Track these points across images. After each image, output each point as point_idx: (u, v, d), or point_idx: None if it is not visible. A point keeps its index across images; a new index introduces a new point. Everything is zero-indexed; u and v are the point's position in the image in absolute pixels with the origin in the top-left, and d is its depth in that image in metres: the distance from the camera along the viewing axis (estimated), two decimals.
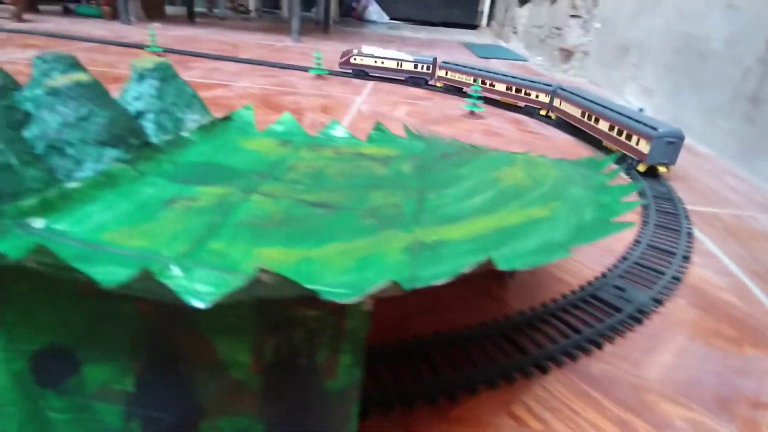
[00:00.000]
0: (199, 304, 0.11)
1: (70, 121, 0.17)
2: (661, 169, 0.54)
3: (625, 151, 0.57)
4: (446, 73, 0.92)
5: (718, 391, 0.25)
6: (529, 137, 0.67)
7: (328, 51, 1.31)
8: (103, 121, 0.18)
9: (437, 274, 0.14)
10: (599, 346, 0.27)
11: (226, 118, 0.26)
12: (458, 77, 0.90)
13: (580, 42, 1.21)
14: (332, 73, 0.98)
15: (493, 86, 0.83)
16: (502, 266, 0.13)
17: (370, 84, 0.94)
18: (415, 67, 0.95)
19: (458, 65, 0.90)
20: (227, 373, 0.13)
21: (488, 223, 0.18)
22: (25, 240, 0.13)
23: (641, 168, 0.55)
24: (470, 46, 1.78)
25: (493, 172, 0.23)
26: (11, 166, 0.14)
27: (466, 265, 0.12)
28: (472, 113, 0.75)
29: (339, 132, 0.28)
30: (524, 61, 1.51)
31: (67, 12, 1.79)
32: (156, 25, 1.29)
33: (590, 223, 0.18)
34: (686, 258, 0.38)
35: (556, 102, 0.73)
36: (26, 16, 1.46)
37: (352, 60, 0.98)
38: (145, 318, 0.13)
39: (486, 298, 0.30)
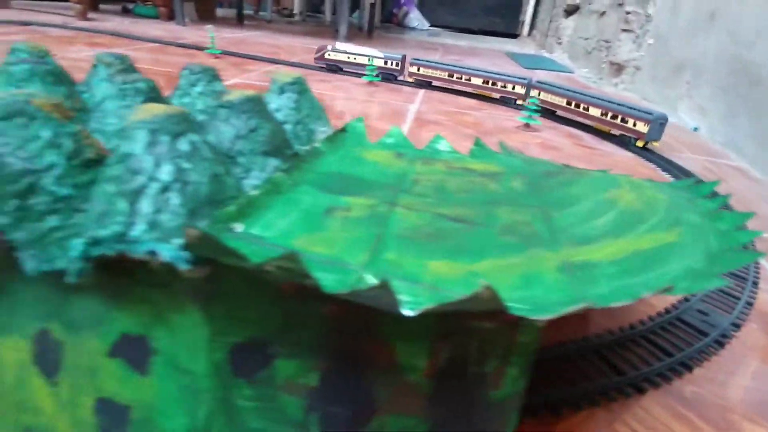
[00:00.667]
0: (409, 313, 0.12)
1: (242, 133, 0.18)
2: (654, 144, 0.70)
3: (622, 132, 0.73)
4: (418, 69, 1.01)
5: None
6: (588, 152, 0.67)
7: None
8: (267, 132, 0.19)
9: (610, 295, 0.15)
10: (690, 369, 0.28)
11: (343, 130, 0.28)
12: (430, 72, 0.99)
13: (631, 57, 1.19)
14: (382, 78, 1.00)
15: (470, 80, 0.95)
16: (677, 293, 0.14)
17: (421, 93, 0.95)
18: (385, 63, 1.02)
19: (429, 62, 1.00)
20: (402, 375, 0.14)
21: (622, 246, 0.19)
22: (242, 244, 0.15)
23: (639, 144, 0.70)
24: (513, 56, 1.78)
25: (604, 194, 0.23)
26: (218, 175, 0.15)
27: (646, 289, 0.13)
28: (527, 126, 0.76)
29: (443, 146, 0.29)
30: (570, 72, 1.50)
31: (125, 11, 1.87)
32: (209, 26, 1.33)
33: (719, 251, 0.18)
34: (755, 284, 0.38)
35: (534, 92, 0.88)
36: (89, 14, 1.53)
37: (326, 56, 1.05)
38: (334, 320, 0.14)
39: (574, 316, 0.30)
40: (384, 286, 0.11)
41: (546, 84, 0.86)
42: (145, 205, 0.14)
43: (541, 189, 0.24)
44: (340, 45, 1.05)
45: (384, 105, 0.81)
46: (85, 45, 1.07)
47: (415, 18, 2.87)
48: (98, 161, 0.17)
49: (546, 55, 1.99)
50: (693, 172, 0.62)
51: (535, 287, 0.15)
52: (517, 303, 0.14)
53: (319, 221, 0.17)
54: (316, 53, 1.05)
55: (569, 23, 1.79)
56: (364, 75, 0.98)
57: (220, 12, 2.33)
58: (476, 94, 0.95)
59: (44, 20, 1.36)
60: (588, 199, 0.22)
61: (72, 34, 1.21)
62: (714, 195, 0.28)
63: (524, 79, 0.89)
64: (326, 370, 0.14)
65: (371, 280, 0.14)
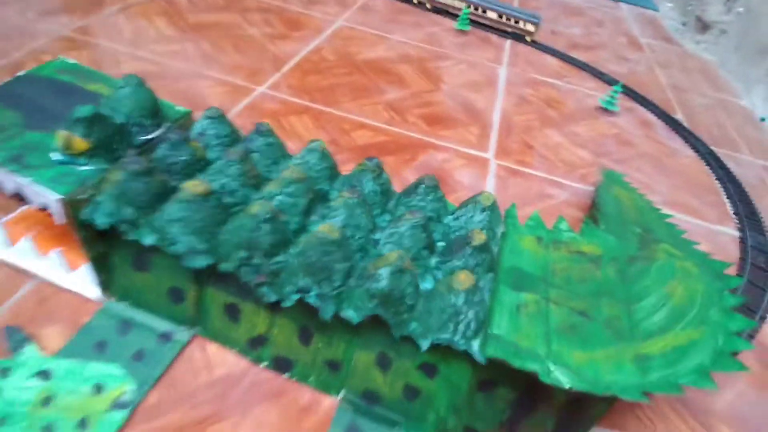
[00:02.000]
0: (570, 389, 0.27)
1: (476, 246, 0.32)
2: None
3: (515, 30, 1.00)
4: None
5: None
6: (657, 150, 0.75)
7: None
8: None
9: (666, 385, 0.28)
10: None
11: (506, 216, 0.39)
12: (450, 2, 1.05)
13: (719, 19, 1.16)
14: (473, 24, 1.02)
15: (485, 13, 1.03)
16: (701, 386, 0.28)
17: (507, 46, 0.98)
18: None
19: None
20: (553, 399, 0.30)
21: (668, 341, 0.32)
22: (513, 352, 0.29)
23: (528, 39, 1.00)
24: None
25: (664, 287, 0.36)
26: (483, 300, 0.29)
27: (685, 381, 0.27)
28: (605, 110, 0.82)
29: (564, 226, 0.41)
30: (654, 10, 1.44)
31: None
32: None
33: (720, 352, 0.32)
34: (763, 318, 0.51)
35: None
36: None
37: None
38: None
39: None
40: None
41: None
42: (462, 326, 0.28)
43: (626, 278, 0.37)
44: None
45: (474, 68, 0.87)
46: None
47: None
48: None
49: None
50: (743, 182, 0.71)
51: (621, 374, 0.29)
52: (611, 386, 0.28)
53: (518, 319, 0.31)
54: None
55: None
56: (456, 23, 1.00)
57: None
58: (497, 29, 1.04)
59: None
60: (653, 293, 0.35)
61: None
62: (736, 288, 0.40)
63: (534, 18, 0.99)
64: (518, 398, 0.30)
65: (557, 371, 0.28)
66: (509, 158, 0.65)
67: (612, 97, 0.81)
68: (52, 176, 0.32)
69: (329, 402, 0.35)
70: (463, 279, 0.29)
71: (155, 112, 0.38)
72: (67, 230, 0.41)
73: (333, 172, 0.39)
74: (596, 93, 0.88)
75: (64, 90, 0.39)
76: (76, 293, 0.38)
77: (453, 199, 0.54)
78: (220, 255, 0.32)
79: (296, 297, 0.31)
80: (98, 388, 0.33)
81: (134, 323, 0.37)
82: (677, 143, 0.79)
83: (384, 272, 0.29)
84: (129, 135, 0.36)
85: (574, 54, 1.01)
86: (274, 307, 0.34)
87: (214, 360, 0.36)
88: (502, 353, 0.28)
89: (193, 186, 0.31)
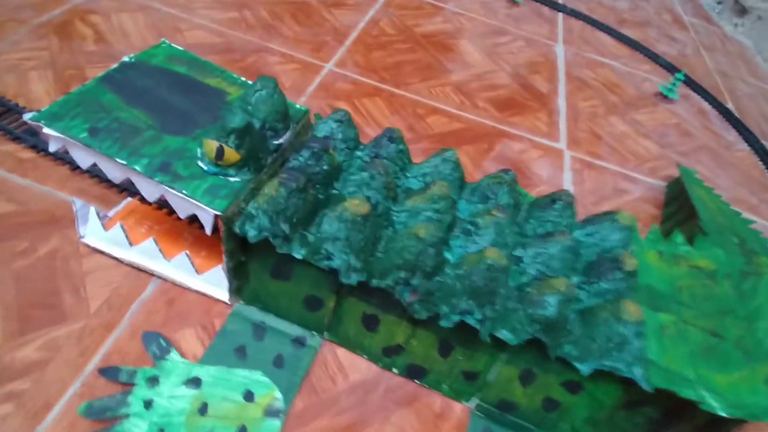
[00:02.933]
0: (721, 413, 0.28)
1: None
2: None
3: None
4: None
5: None
6: (715, 142, 0.76)
7: None
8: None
9: None
10: None
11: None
12: None
13: (756, 5, 1.14)
14: None
15: None
16: None
17: (560, 21, 0.95)
18: None
19: None
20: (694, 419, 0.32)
21: None
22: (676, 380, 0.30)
23: None
24: None
25: None
26: (644, 331, 0.31)
27: None
28: (663, 96, 0.82)
29: (679, 240, 0.41)
30: None
31: None
32: None
33: None
34: None
35: None
36: None
37: None
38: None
39: None
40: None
41: None
42: (626, 354, 0.30)
43: (742, 295, 0.38)
44: None
45: (532, 47, 0.84)
46: None
47: None
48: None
49: None
50: None
51: (757, 396, 0.31)
52: (754, 410, 0.30)
53: (662, 341, 0.32)
54: None
55: None
56: None
57: None
58: None
59: None
60: (766, 314, 0.37)
61: None
62: None
63: None
64: (660, 416, 0.31)
65: (708, 397, 0.30)
66: (580, 149, 0.65)
67: (674, 84, 0.80)
68: (206, 188, 0.31)
69: (460, 408, 0.37)
70: (633, 311, 0.30)
71: (286, 115, 0.36)
72: (180, 228, 0.41)
73: (463, 183, 0.39)
74: (651, 77, 0.87)
75: (185, 85, 0.37)
76: (203, 295, 0.38)
77: (535, 194, 0.55)
78: (373, 271, 0.32)
79: (457, 319, 0.31)
80: (249, 396, 0.34)
81: (267, 327, 0.37)
82: (731, 135, 0.80)
83: (552, 300, 0.30)
84: (265, 140, 0.35)
85: (625, 31, 0.99)
86: (418, 320, 0.34)
87: (347, 365, 0.37)
88: (666, 382, 0.29)
89: (355, 206, 0.31)
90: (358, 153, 0.39)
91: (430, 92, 0.67)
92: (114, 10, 0.64)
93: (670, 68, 0.91)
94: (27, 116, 0.31)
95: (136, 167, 0.31)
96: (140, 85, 0.35)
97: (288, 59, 0.65)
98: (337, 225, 0.31)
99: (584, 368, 0.31)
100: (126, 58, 0.38)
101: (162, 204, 0.42)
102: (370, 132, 0.58)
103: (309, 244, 0.32)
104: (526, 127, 0.66)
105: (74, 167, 0.44)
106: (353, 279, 0.32)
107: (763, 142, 0.80)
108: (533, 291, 0.31)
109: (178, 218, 0.41)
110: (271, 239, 0.32)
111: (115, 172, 0.32)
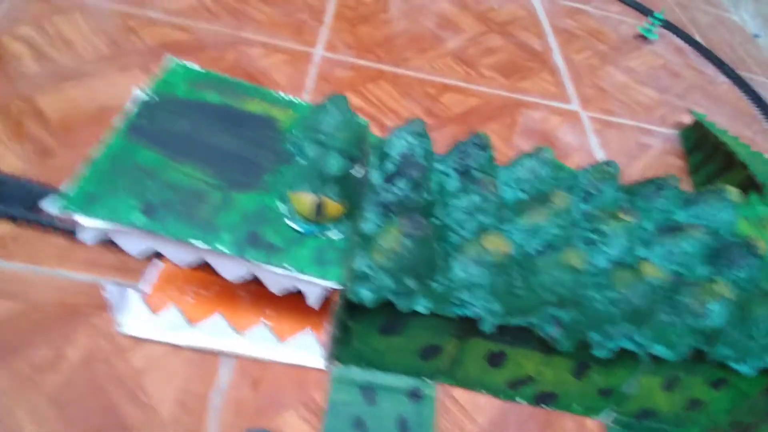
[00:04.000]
0: None
1: None
2: None
3: None
4: None
5: None
6: (701, 79, 0.76)
7: None
8: None
9: None
10: None
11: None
12: None
13: None
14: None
15: None
16: None
17: None
18: None
19: None
20: None
21: None
22: None
23: None
24: None
25: None
26: None
27: None
28: (644, 38, 0.81)
29: (754, 199, 0.40)
30: None
31: None
32: None
33: None
34: None
35: None
36: None
37: None
38: None
39: None
40: None
41: None
42: None
43: None
44: None
45: (511, 0, 0.79)
46: None
47: None
48: None
49: None
50: None
51: None
52: None
53: None
54: None
55: None
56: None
57: None
58: None
59: None
60: None
61: None
62: None
63: None
64: None
65: None
66: (593, 107, 0.63)
67: (652, 25, 0.80)
68: (310, 257, 0.25)
69: (593, 423, 0.34)
70: None
71: (363, 139, 0.30)
72: (230, 288, 0.34)
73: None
74: (626, 19, 0.85)
75: (225, 118, 0.29)
76: (289, 366, 0.32)
77: (571, 165, 0.52)
78: (512, 311, 0.28)
79: (614, 347, 0.28)
80: None
81: (374, 387, 0.32)
82: (709, 69, 0.81)
83: (716, 308, 0.27)
84: (354, 178, 0.28)
85: None
86: (550, 348, 0.31)
87: (470, 408, 0.33)
88: None
89: (496, 245, 0.26)
90: (439, 167, 0.33)
91: (432, 67, 0.61)
92: (45, 16, 0.51)
93: (637, 7, 0.90)
94: (48, 203, 0.22)
95: (220, 247, 0.23)
96: (177, 131, 0.27)
97: (271, 49, 0.55)
98: (477, 270, 0.26)
99: (745, 369, 0.29)
100: (142, 94, 0.29)
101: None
102: (387, 122, 0.52)
103: (435, 295, 0.27)
104: (537, 92, 0.62)
105: (72, 234, 0.35)
106: (491, 326, 0.27)
107: (739, 72, 0.82)
108: (690, 300, 0.28)
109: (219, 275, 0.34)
110: (393, 300, 0.26)
111: (184, 255, 0.24)
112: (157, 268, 0.34)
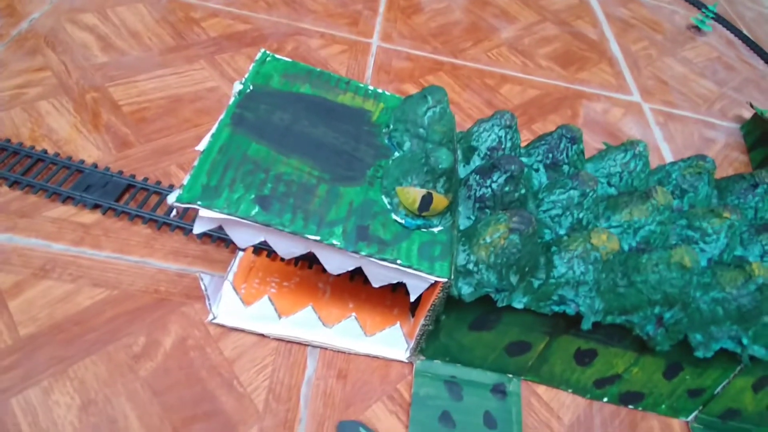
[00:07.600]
0: None
1: None
2: None
3: None
4: None
5: None
6: (753, 74, 0.73)
7: None
8: None
9: None
10: None
11: None
12: None
13: None
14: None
15: None
16: None
17: None
18: None
19: None
20: None
21: None
22: None
23: None
24: None
25: None
26: None
27: None
28: (697, 29, 0.78)
29: None
30: None
31: None
32: None
33: None
34: None
35: None
36: None
37: None
38: None
39: None
40: None
41: None
42: None
43: None
44: None
45: None
46: None
47: None
48: None
49: None
50: None
51: None
52: None
53: None
54: None
55: None
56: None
57: None
58: None
59: None
60: None
61: None
62: None
63: None
64: None
65: None
66: (654, 99, 0.61)
67: (706, 16, 0.77)
68: (418, 251, 0.24)
69: (678, 424, 0.34)
70: None
71: (454, 130, 0.29)
72: (311, 279, 0.34)
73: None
74: (678, 9, 0.83)
75: (320, 110, 0.29)
76: (371, 357, 0.32)
77: None
78: (612, 309, 0.27)
79: (716, 347, 0.27)
80: None
81: (460, 382, 0.32)
82: (760, 64, 0.78)
83: None
84: (455, 171, 0.28)
85: None
86: (643, 347, 0.30)
87: (555, 406, 0.33)
88: None
89: (605, 242, 0.25)
90: (526, 160, 0.33)
91: (489, 57, 0.60)
92: (107, 5, 0.51)
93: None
94: (172, 198, 0.22)
95: (334, 241, 0.23)
96: (279, 123, 0.27)
97: (329, 40, 0.55)
98: (582, 267, 0.26)
99: None
100: (240, 86, 0.28)
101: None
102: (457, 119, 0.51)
103: (534, 291, 0.27)
104: (597, 84, 0.61)
105: (159, 224, 0.35)
106: (592, 321, 0.27)
107: None
108: None
109: (300, 264, 0.34)
110: (493, 295, 0.26)
111: (294, 248, 0.24)
112: (239, 259, 0.34)
